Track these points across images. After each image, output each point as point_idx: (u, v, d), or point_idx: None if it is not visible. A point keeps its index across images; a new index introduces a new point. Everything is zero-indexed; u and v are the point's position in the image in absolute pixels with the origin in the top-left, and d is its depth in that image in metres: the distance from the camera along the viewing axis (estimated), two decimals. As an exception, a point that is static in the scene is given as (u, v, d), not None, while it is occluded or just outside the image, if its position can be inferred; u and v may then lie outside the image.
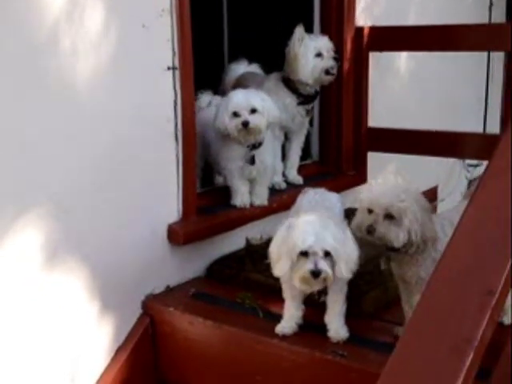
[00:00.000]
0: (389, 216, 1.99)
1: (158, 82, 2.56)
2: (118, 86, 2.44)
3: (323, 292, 2.27)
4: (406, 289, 2.22)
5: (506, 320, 2.21)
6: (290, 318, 2.31)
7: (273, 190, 3.09)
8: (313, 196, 2.45)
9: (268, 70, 3.39)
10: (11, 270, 2.20)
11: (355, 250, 2.12)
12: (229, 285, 2.75)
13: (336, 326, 2.26)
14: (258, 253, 2.79)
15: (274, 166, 3.05)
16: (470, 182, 4.41)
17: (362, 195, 2.05)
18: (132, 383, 2.56)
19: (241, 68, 3.47)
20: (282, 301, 2.35)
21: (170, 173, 2.66)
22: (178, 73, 2.60)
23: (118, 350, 2.55)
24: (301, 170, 3.34)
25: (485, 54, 4.67)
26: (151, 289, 2.65)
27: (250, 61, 3.51)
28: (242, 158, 2.86)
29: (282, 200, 2.97)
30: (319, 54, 3.02)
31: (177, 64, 2.58)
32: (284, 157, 3.26)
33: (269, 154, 2.94)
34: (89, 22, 2.29)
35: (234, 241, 2.95)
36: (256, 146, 2.85)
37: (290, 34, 3.02)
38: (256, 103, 2.73)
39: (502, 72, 5.05)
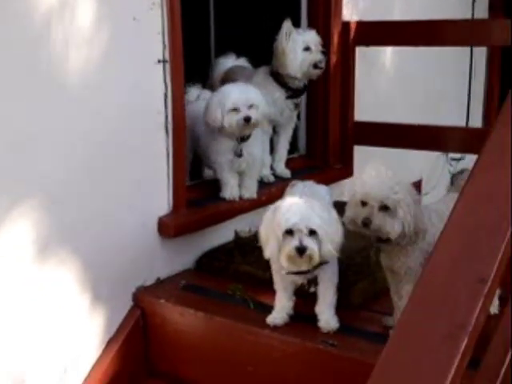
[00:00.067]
0: (383, 208, 2.02)
1: (148, 75, 2.57)
2: (109, 78, 2.44)
3: (313, 282, 2.31)
4: (394, 279, 2.25)
5: (493, 310, 2.26)
6: (281, 308, 2.34)
7: (261, 183, 3.11)
8: (302, 189, 2.47)
9: (255, 64, 3.41)
10: (2, 263, 2.20)
11: (340, 229, 2.15)
12: (219, 277, 2.77)
13: (326, 316, 2.29)
14: (246, 245, 2.81)
15: (262, 158, 3.07)
16: (454, 176, 4.48)
17: (356, 188, 2.08)
18: (123, 374, 2.57)
19: (229, 62, 3.48)
20: (271, 292, 2.38)
21: (160, 166, 2.67)
22: (168, 66, 2.60)
23: (110, 342, 2.56)
24: (288, 163, 3.36)
25: (468, 49, 4.73)
26: (142, 281, 2.66)
27: (238, 55, 3.52)
28: (231, 151, 2.88)
29: (271, 193, 2.99)
30: (307, 48, 3.03)
31: (167, 57, 2.59)
32: (272, 150, 3.29)
33: (257, 147, 2.96)
34: (80, 15, 2.29)
35: (223, 233, 2.96)
36: (244, 138, 2.88)
37: (277, 28, 3.04)
38: (254, 98, 2.77)
39: (484, 67, 5.12)
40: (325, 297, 2.29)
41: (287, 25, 3.02)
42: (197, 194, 2.96)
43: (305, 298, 2.34)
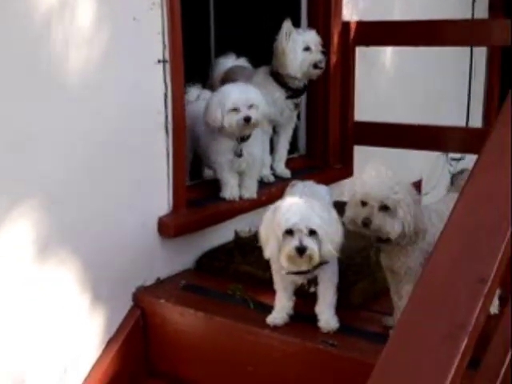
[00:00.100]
0: (383, 208, 2.02)
1: (148, 75, 2.57)
2: (109, 78, 2.44)
3: (313, 282, 2.31)
4: (394, 279, 2.25)
5: (493, 310, 2.26)
6: (282, 308, 2.34)
7: (261, 183, 3.11)
8: (302, 189, 2.48)
9: (255, 64, 3.41)
10: (2, 263, 2.20)
11: (340, 229, 2.15)
12: (219, 277, 2.77)
13: (326, 316, 2.29)
14: (246, 245, 2.82)
15: (262, 158, 3.07)
16: (454, 176, 4.48)
17: (356, 188, 2.08)
18: (123, 374, 2.57)
19: (229, 62, 3.48)
20: (271, 292, 2.38)
21: (160, 166, 2.67)
22: (168, 66, 2.60)
23: (110, 342, 2.56)
24: (288, 163, 3.36)
25: (468, 49, 4.74)
26: (142, 281, 2.67)
27: (238, 55, 3.52)
28: (231, 151, 2.88)
29: (271, 193, 2.99)
30: (307, 48, 3.04)
31: (167, 57, 2.59)
32: (272, 150, 3.29)
33: (257, 147, 2.96)
34: (80, 15, 2.29)
35: (223, 233, 2.96)
36: (244, 138, 2.88)
37: (277, 28, 3.04)
38: (254, 98, 2.77)
39: (484, 67, 5.12)
40: (325, 297, 2.29)
41: (287, 25, 3.02)
42: (197, 194, 2.96)
43: (305, 298, 2.34)
